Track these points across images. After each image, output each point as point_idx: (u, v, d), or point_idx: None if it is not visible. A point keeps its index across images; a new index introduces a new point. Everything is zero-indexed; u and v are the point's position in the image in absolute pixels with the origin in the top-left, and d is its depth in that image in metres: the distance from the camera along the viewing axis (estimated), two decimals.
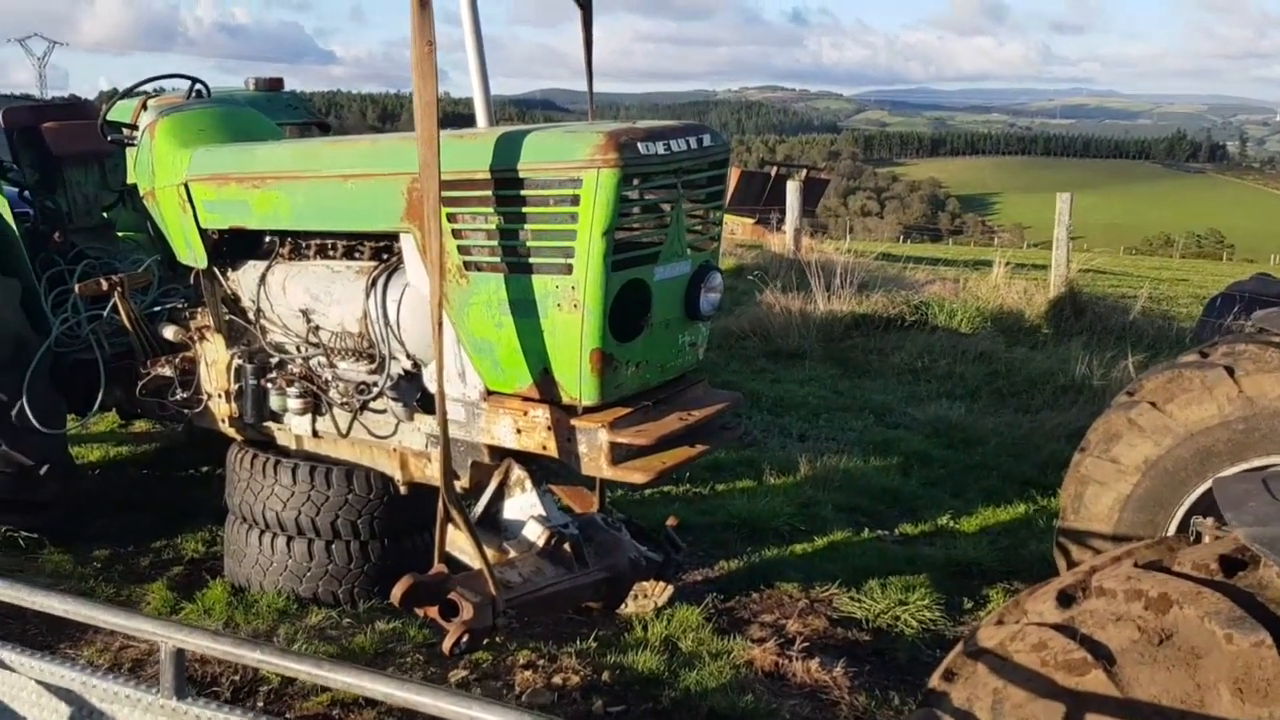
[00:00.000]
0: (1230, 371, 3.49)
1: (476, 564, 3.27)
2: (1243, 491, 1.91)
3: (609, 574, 3.72)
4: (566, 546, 3.60)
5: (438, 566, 3.25)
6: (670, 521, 4.26)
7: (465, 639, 3.13)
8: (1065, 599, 1.90)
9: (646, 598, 4.26)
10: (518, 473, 3.75)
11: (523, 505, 3.70)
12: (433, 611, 3.17)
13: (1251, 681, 1.60)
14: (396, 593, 3.07)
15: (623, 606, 4.17)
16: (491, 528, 3.69)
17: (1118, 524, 3.65)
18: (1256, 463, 3.46)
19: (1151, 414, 3.60)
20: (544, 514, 3.64)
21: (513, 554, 3.60)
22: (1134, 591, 1.78)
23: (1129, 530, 3.61)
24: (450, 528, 3.28)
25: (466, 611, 3.11)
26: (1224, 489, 1.98)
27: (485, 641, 3.36)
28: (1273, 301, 8.65)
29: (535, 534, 3.59)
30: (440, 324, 3.21)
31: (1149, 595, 1.76)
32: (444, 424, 3.29)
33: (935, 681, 2.00)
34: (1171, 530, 3.59)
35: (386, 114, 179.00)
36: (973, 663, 1.92)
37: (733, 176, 25.36)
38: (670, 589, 4.26)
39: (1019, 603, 2.01)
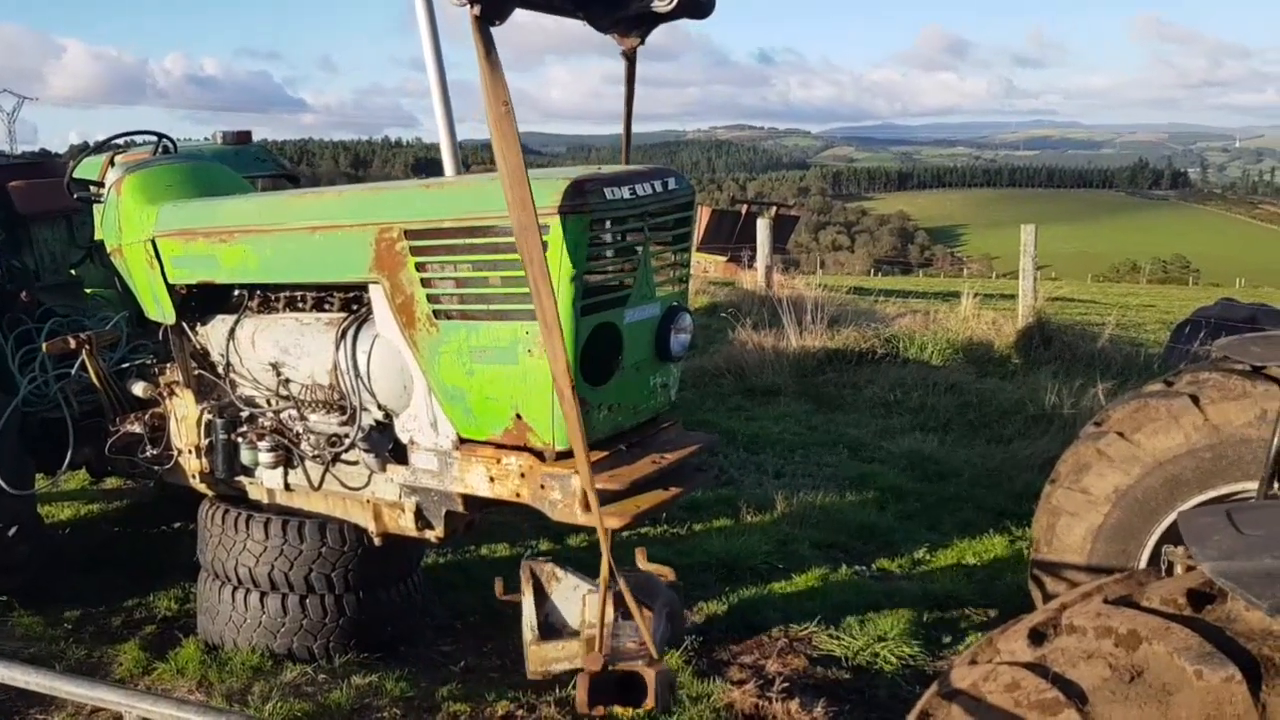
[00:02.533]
0: (1195, 400, 3.53)
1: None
2: (1207, 525, 1.93)
3: (669, 607, 3.66)
4: (628, 599, 3.56)
5: (596, 653, 3.14)
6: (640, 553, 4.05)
7: (667, 692, 3.07)
8: (1037, 637, 1.91)
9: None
10: (547, 569, 3.64)
11: (566, 592, 3.60)
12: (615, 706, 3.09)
13: (1223, 717, 1.60)
14: (581, 697, 3.01)
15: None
16: (559, 629, 3.59)
17: (1090, 554, 3.67)
18: (1225, 490, 3.50)
19: (1120, 444, 3.63)
20: (590, 587, 3.55)
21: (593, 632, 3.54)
22: (1104, 628, 1.79)
23: (1102, 560, 3.63)
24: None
25: (649, 676, 3.03)
26: (1189, 523, 2.00)
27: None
28: (1238, 326, 8.78)
29: (596, 607, 3.53)
30: (573, 380, 2.96)
31: (1119, 632, 1.77)
32: (585, 468, 3.00)
33: None
34: (1144, 559, 3.61)
35: (359, 160, 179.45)
36: (947, 704, 1.92)
37: (704, 215, 25.51)
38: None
39: (991, 641, 2.02)
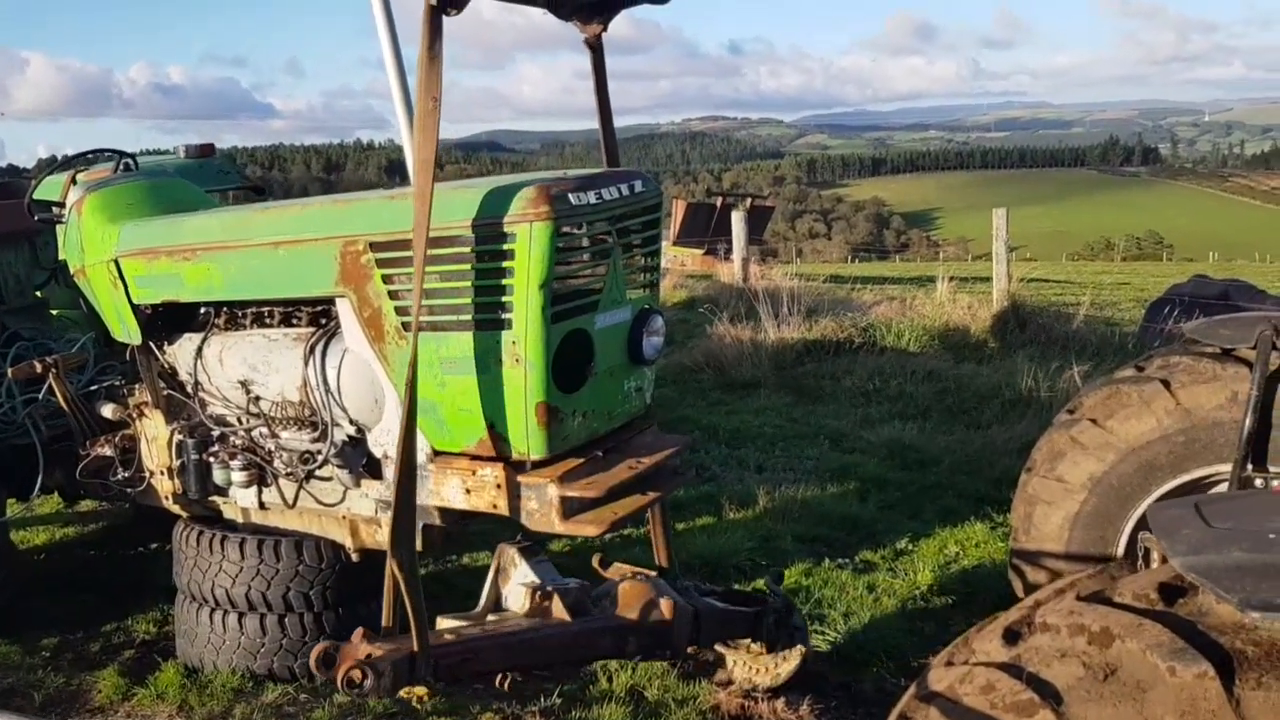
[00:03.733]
0: (1166, 385, 3.54)
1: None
2: (1176, 518, 1.92)
3: (632, 623, 3.56)
4: (555, 601, 3.51)
5: (361, 630, 3.17)
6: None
7: (365, 679, 3.02)
8: (1011, 636, 1.90)
9: (766, 672, 3.94)
10: (509, 553, 3.73)
11: (518, 580, 3.65)
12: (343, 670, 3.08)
13: (1197, 713, 1.60)
14: (313, 657, 3.06)
15: (730, 674, 4.01)
16: (497, 609, 3.64)
17: (1069, 542, 3.67)
18: (1198, 473, 3.51)
19: (1093, 431, 3.63)
20: (535, 580, 3.58)
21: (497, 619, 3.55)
22: (1077, 626, 1.79)
23: (1080, 548, 3.63)
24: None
25: (348, 653, 3.06)
26: (1157, 516, 1.99)
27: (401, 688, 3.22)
28: (1210, 303, 8.84)
29: (520, 598, 3.54)
30: (414, 382, 3.11)
31: (1091, 630, 1.76)
32: (401, 481, 3.12)
33: None
34: (1122, 545, 3.62)
35: (331, 165, 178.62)
36: (925, 706, 1.91)
37: (679, 209, 25.51)
38: (796, 653, 3.90)
39: (967, 641, 2.01)
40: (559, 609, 3.49)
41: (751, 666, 4.01)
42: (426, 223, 3.02)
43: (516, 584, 3.66)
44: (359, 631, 3.14)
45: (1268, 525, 1.82)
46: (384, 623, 3.19)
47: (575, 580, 3.73)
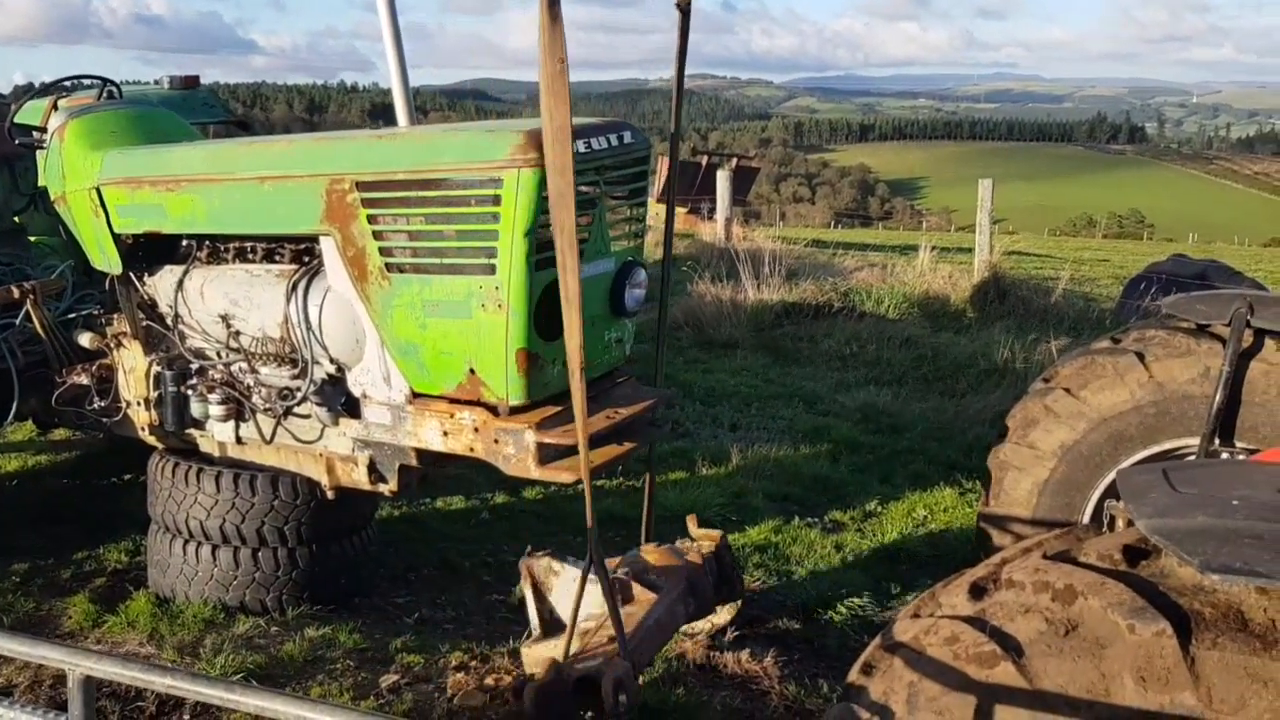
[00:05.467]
0: (1141, 357, 3.59)
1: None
2: (1144, 483, 1.97)
3: (688, 582, 3.66)
4: (633, 585, 3.51)
5: (550, 659, 3.10)
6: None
7: (622, 697, 3.00)
8: (977, 591, 1.95)
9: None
10: (541, 564, 3.50)
11: (567, 584, 3.45)
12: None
13: (1153, 670, 1.65)
14: (530, 712, 2.96)
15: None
16: (559, 625, 3.43)
17: (1036, 508, 3.74)
18: (1168, 445, 3.57)
19: (1066, 400, 3.68)
20: (591, 576, 3.56)
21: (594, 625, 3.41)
22: (1041, 583, 1.83)
23: (1047, 514, 3.70)
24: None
25: (604, 677, 3.00)
26: (1126, 480, 2.04)
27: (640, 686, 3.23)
28: (1188, 282, 8.92)
29: (599, 596, 3.37)
30: (581, 350, 2.85)
31: (1056, 587, 1.81)
32: (586, 463, 2.96)
33: (854, 675, 2.03)
34: (1088, 513, 3.68)
35: (314, 105, 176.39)
36: (889, 656, 1.96)
37: (664, 166, 25.38)
38: (733, 606, 4.03)
39: (934, 595, 2.06)
40: (642, 592, 3.50)
41: None
42: (572, 194, 2.68)
43: (572, 589, 3.37)
44: (552, 664, 3.08)
45: (1232, 492, 1.87)
46: (568, 643, 3.15)
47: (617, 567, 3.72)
